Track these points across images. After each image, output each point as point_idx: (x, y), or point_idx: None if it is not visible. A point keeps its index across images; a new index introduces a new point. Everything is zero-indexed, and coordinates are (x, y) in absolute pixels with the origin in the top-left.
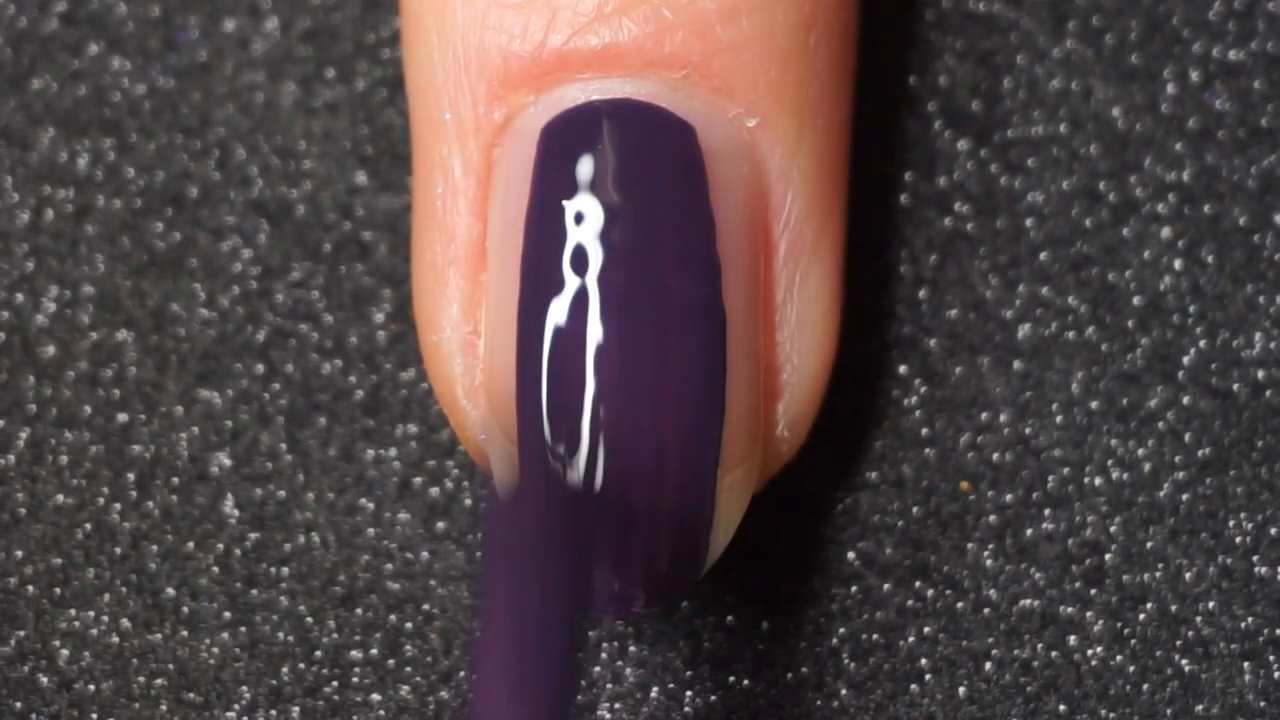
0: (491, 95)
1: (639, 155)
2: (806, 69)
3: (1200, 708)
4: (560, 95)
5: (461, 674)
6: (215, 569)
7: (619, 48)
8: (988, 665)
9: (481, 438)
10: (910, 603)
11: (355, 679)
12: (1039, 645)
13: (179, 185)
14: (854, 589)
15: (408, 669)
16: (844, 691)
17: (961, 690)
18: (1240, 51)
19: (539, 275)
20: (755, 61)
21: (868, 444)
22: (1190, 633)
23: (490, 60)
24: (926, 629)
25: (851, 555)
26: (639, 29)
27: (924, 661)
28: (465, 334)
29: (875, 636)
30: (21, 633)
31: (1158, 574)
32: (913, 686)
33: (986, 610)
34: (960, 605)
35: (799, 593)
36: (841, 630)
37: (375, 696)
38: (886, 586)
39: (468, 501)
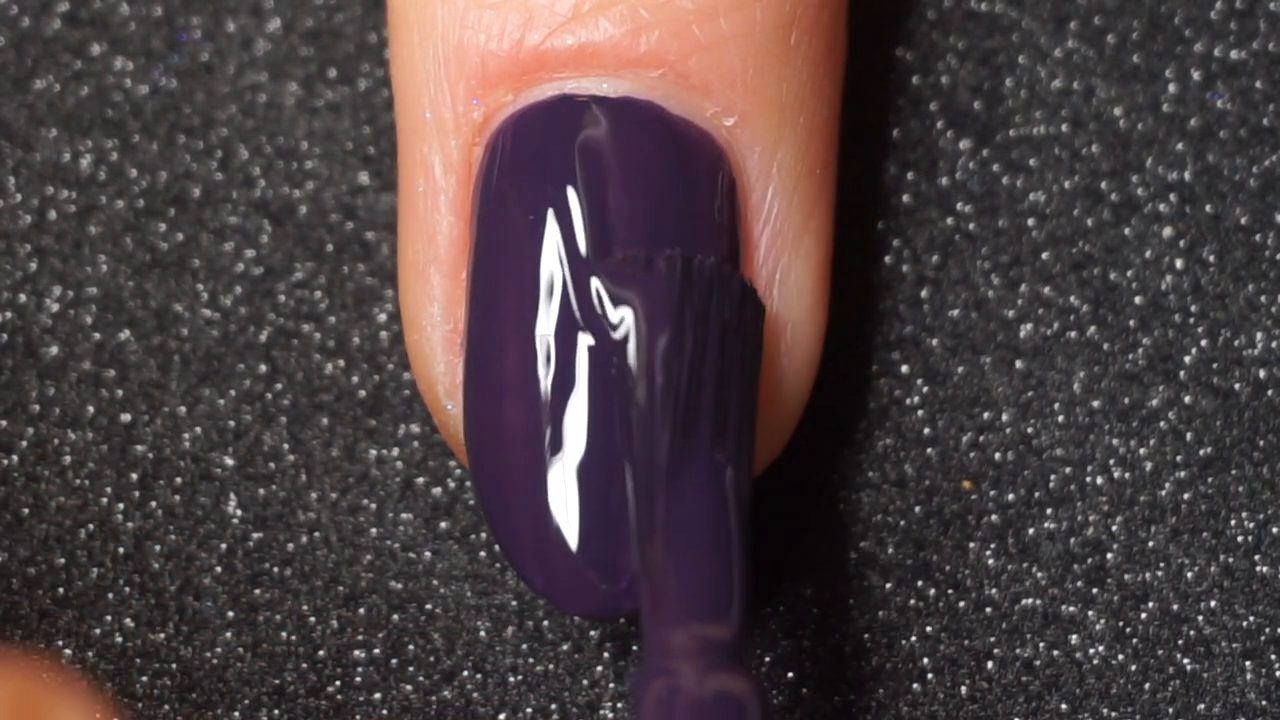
0: (470, 94)
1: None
2: (787, 67)
3: (1202, 706)
4: (537, 94)
5: (464, 673)
6: (218, 569)
7: (595, 47)
8: (990, 664)
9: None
10: (912, 602)
11: (358, 678)
12: (1041, 644)
13: (181, 185)
14: (856, 588)
15: (410, 668)
16: (845, 690)
17: (963, 689)
18: (1242, 51)
19: (497, 280)
20: (733, 60)
21: (869, 443)
22: (1192, 632)
23: (469, 60)
24: (928, 628)
25: (853, 554)
26: (615, 28)
27: (926, 661)
28: (446, 332)
29: (877, 636)
30: (24, 633)
31: (1159, 573)
32: (914, 686)
33: (988, 609)
34: (962, 604)
35: (800, 592)
36: (842, 629)
37: (378, 696)
38: (888, 586)
39: (470, 501)
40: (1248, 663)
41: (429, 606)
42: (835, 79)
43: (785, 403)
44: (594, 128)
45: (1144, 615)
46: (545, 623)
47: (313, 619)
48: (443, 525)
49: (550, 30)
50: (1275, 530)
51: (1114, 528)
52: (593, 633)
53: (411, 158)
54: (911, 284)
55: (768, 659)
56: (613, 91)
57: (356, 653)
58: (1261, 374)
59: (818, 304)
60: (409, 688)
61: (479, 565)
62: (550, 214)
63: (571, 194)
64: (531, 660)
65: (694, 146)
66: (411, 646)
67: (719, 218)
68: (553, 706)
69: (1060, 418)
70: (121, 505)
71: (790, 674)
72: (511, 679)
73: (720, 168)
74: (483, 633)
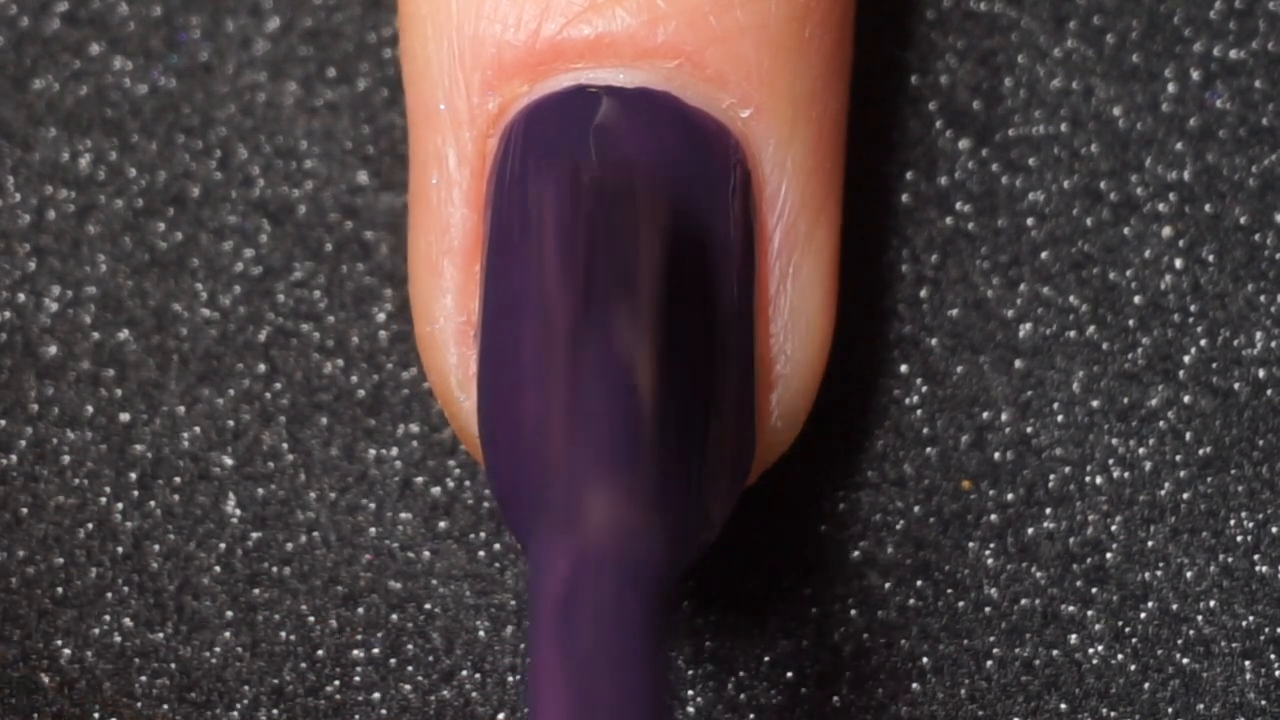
0: (486, 85)
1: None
2: (801, 60)
3: (1201, 706)
4: (553, 85)
5: (463, 673)
6: (217, 568)
7: (612, 37)
8: (989, 664)
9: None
10: (911, 601)
11: (357, 678)
12: (1040, 644)
13: (181, 185)
14: (855, 588)
15: (409, 668)
16: (845, 690)
17: (963, 689)
18: (1241, 50)
19: (513, 262)
20: (749, 52)
21: (868, 443)
22: (1191, 631)
23: (484, 50)
24: (928, 628)
25: (853, 554)
26: (632, 18)
27: (925, 660)
28: (459, 324)
29: (876, 636)
30: (23, 632)
31: (1159, 573)
32: (914, 685)
33: (988, 609)
34: (961, 604)
35: (800, 592)
36: (842, 629)
37: (377, 695)
38: (887, 585)
39: (469, 500)
40: (1247, 662)
41: (428, 606)
42: (845, 74)
43: (797, 393)
44: (610, 119)
45: (1143, 615)
46: None
47: (311, 619)
48: (442, 525)
49: (567, 20)
50: (1275, 530)
51: (1113, 527)
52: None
53: (425, 149)
54: (911, 284)
55: (767, 659)
56: (629, 82)
57: (355, 652)
58: (1261, 374)
59: (829, 297)
60: (408, 687)
61: (478, 565)
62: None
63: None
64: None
65: (710, 138)
66: (410, 646)
67: (734, 210)
68: None
69: (1059, 417)
70: (120, 505)
71: (789, 674)
72: (511, 679)
73: (735, 160)
74: (482, 632)
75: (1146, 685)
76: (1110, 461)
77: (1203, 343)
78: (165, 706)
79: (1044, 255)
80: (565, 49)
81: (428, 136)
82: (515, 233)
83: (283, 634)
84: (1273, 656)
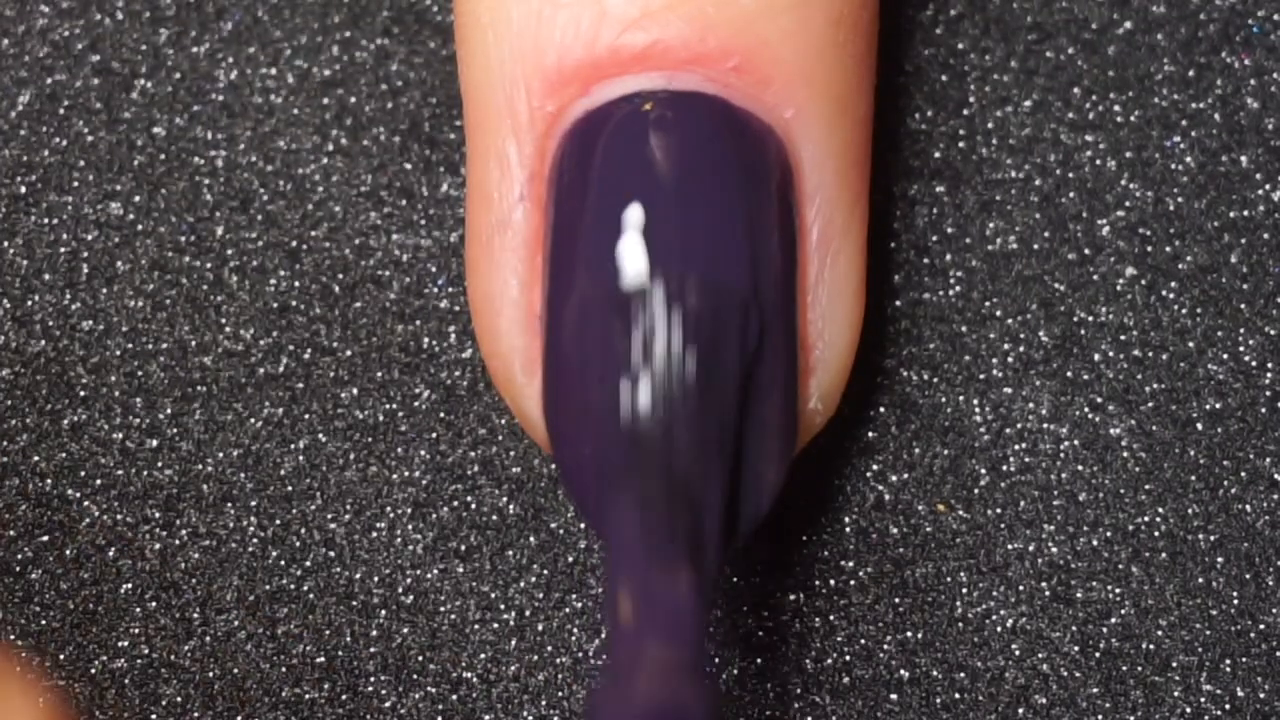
0: (546, 90)
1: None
2: (838, 63)
3: (1159, 717)
4: (610, 89)
5: (473, 681)
6: (239, 585)
7: (666, 44)
8: (961, 676)
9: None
10: (890, 617)
11: (370, 688)
12: (1010, 658)
13: (205, 226)
14: (836, 603)
15: (417, 677)
16: (826, 700)
17: (938, 700)
18: (1200, 102)
19: (577, 260)
20: (791, 56)
21: (848, 465)
22: (1151, 646)
23: (544, 57)
24: (905, 642)
25: (834, 570)
26: (685, 25)
27: (903, 673)
28: (524, 312)
29: (857, 646)
30: (55, 646)
31: (1121, 590)
32: (892, 695)
33: (960, 625)
34: (936, 620)
35: (783, 605)
36: (823, 642)
37: (388, 705)
38: (867, 601)
39: (475, 522)
40: (1204, 674)
41: (436, 620)
42: (873, 78)
43: (834, 376)
44: (664, 120)
45: (1106, 630)
46: (544, 635)
47: (327, 632)
48: (450, 545)
49: (623, 28)
50: (1230, 548)
51: (1079, 548)
52: (589, 645)
53: (486, 150)
54: (887, 319)
55: (748, 671)
56: (682, 86)
57: (369, 664)
58: (1218, 405)
59: (860, 286)
60: (417, 695)
61: (483, 582)
62: (624, 202)
63: (643, 184)
64: (532, 670)
65: (756, 138)
66: (420, 658)
67: (778, 204)
68: (554, 714)
69: (1029, 444)
70: (148, 526)
71: (768, 684)
72: (514, 686)
73: (779, 157)
74: (487, 645)
75: (1110, 698)
76: (1077, 486)
77: (1164, 375)
78: (195, 714)
79: (1016, 292)
80: (621, 55)
81: (489, 139)
82: (577, 228)
83: (300, 647)
84: (1227, 668)
